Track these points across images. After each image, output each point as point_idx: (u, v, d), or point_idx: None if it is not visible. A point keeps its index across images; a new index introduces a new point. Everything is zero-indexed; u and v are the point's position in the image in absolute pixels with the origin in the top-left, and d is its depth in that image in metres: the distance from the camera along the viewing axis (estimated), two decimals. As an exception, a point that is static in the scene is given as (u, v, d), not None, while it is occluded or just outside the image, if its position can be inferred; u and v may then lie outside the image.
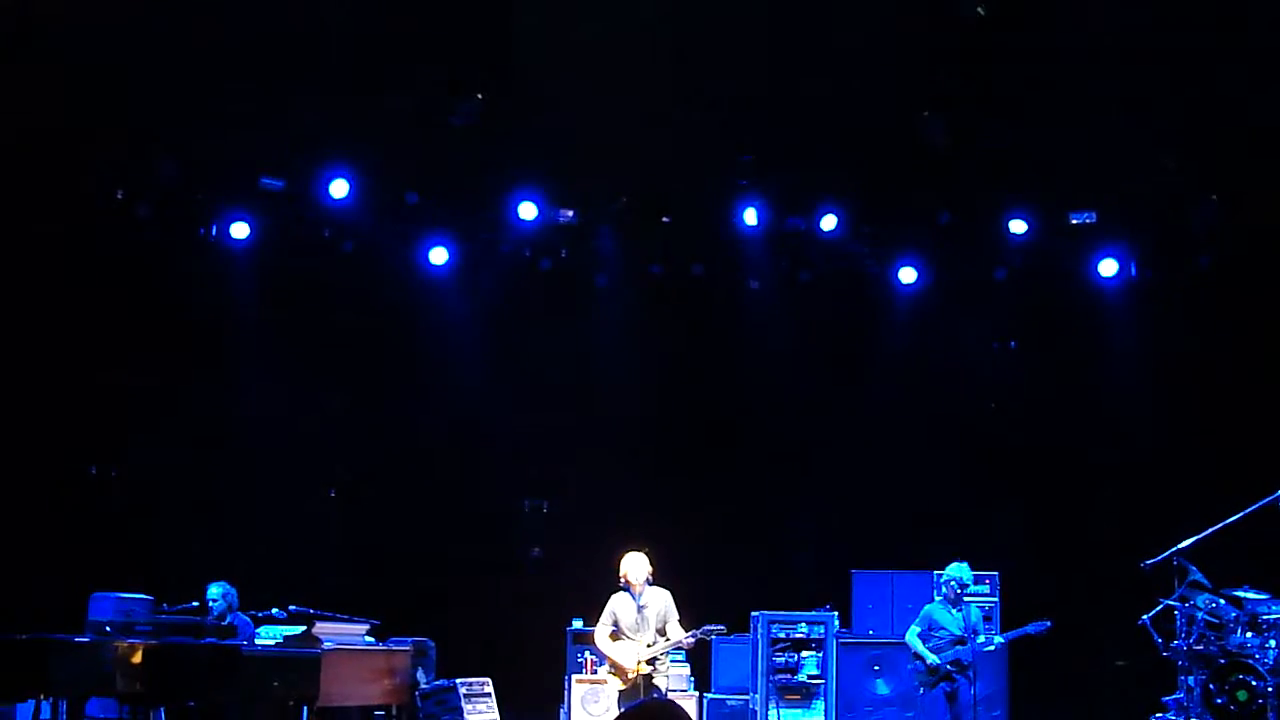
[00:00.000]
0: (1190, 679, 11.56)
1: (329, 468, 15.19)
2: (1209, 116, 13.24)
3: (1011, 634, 12.24)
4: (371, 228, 14.83)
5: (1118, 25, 12.60)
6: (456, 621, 13.84)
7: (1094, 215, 14.74)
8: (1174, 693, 11.84)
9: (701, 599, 12.49)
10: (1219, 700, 11.17)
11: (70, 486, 13.92)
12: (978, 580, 13.44)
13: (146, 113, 13.26)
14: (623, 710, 9.80)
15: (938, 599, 12.66)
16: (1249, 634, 11.36)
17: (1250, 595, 11.52)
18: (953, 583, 12.36)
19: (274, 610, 11.64)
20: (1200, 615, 11.49)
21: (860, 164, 14.45)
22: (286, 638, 11.29)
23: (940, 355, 15.56)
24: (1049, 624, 12.09)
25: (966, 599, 12.46)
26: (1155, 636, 11.70)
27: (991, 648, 12.39)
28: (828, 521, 14.92)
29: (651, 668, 11.41)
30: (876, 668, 13.75)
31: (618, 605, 11.62)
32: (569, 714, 13.50)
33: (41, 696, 9.98)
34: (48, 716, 10.11)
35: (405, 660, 11.84)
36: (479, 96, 13.61)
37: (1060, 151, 14.00)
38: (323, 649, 10.88)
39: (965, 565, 12.43)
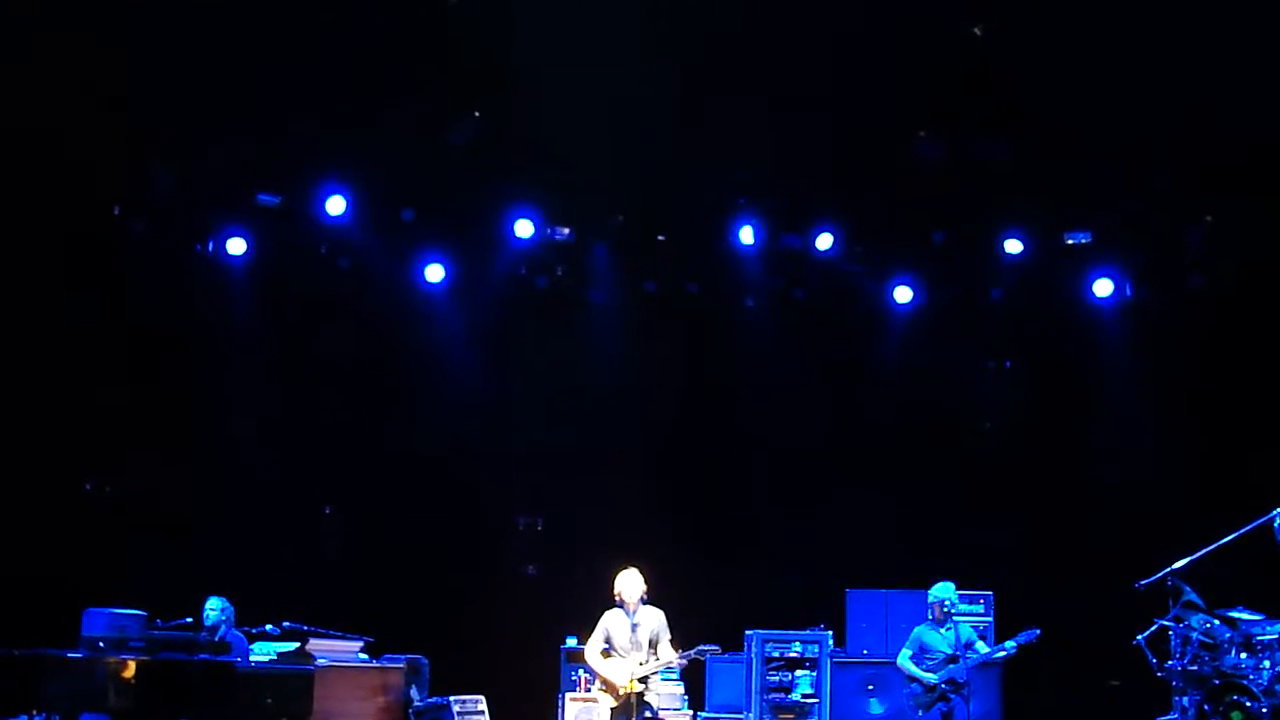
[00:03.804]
0: (1185, 699, 11.54)
1: (324, 484, 15.17)
2: (1203, 137, 13.27)
3: (1016, 640, 12.18)
4: (368, 244, 14.84)
5: (1112, 46, 12.64)
6: (450, 639, 13.80)
7: (1089, 235, 14.79)
8: (1168, 713, 11.83)
9: (696, 617, 12.49)
10: (1213, 721, 11.17)
11: (64, 501, 13.89)
12: (972, 600, 13.44)
13: (143, 127, 13.28)
14: None
15: (926, 622, 12.66)
16: (1243, 655, 11.34)
17: (1245, 616, 11.51)
18: (946, 603, 12.37)
19: (268, 627, 11.65)
20: (1195, 636, 11.47)
21: (856, 183, 14.48)
22: (280, 654, 11.27)
23: (935, 374, 15.57)
24: (1038, 632, 12.10)
25: (960, 619, 12.46)
26: (1150, 657, 11.68)
27: (1002, 654, 12.35)
28: (822, 540, 14.90)
29: (644, 686, 11.39)
30: (870, 687, 13.75)
31: (611, 623, 11.60)
32: (562, 732, 13.50)
33: (33, 712, 9.93)
34: (39, 732, 10.10)
35: (399, 677, 11.83)
36: (476, 114, 13.65)
37: (1055, 172, 14.03)
38: (316, 666, 10.86)
39: (950, 585, 12.47)
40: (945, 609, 12.37)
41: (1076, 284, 15.14)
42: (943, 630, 12.34)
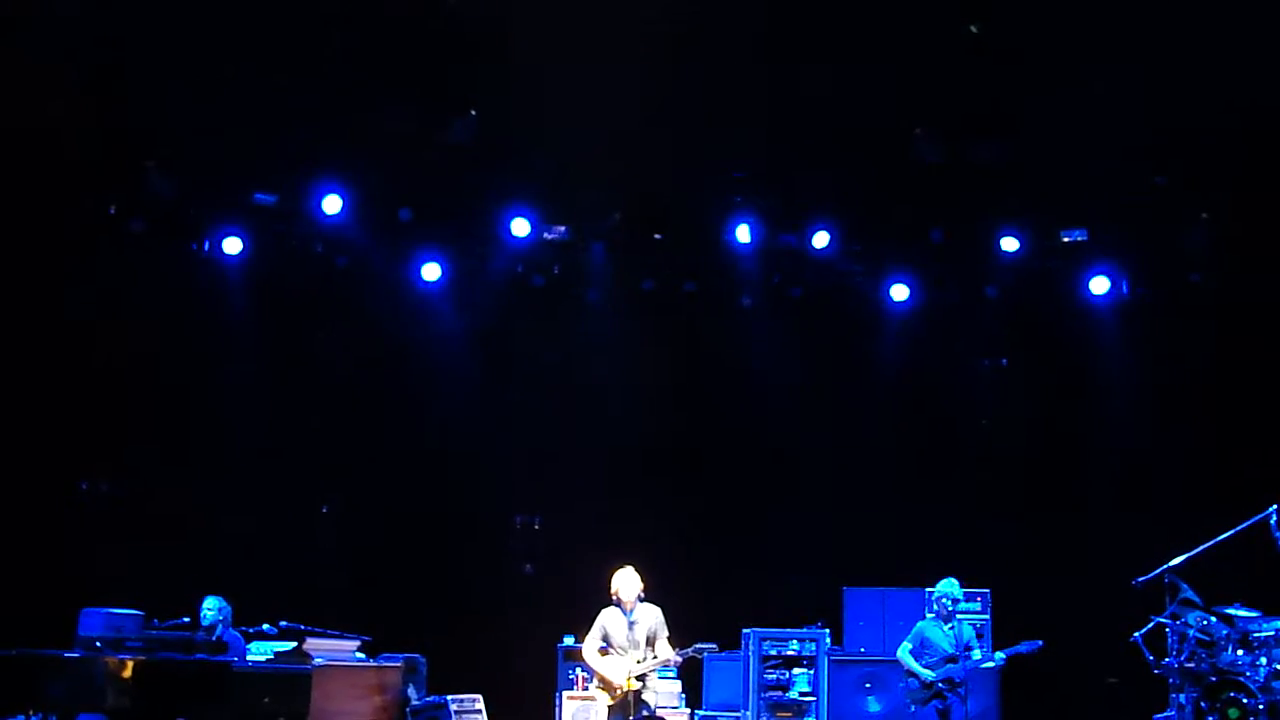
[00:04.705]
0: (1181, 696, 11.56)
1: (321, 483, 15.17)
2: (1200, 134, 13.28)
3: (1010, 651, 12.21)
4: (364, 243, 14.83)
5: (1109, 42, 12.65)
6: (448, 638, 13.81)
7: (1085, 233, 14.79)
8: (1165, 710, 11.85)
9: (693, 615, 12.48)
10: (1210, 718, 11.17)
11: (61, 501, 13.89)
12: (969, 597, 13.45)
13: (139, 126, 13.28)
14: None
15: (930, 616, 12.70)
16: (1240, 652, 11.36)
17: (1242, 613, 11.53)
18: (944, 599, 12.39)
19: (265, 626, 11.66)
20: (1191, 633, 11.49)
21: (853, 181, 14.48)
22: (277, 654, 11.28)
23: (932, 372, 15.59)
24: (1041, 644, 12.09)
25: (959, 616, 12.47)
26: (1147, 654, 11.69)
27: (991, 664, 12.38)
28: (819, 538, 14.91)
29: (641, 684, 11.39)
30: (868, 685, 13.76)
31: (608, 621, 11.61)
32: (560, 731, 13.50)
33: (30, 712, 9.94)
34: (37, 732, 10.10)
35: (396, 676, 11.82)
36: (473, 113, 13.64)
37: (1052, 169, 14.03)
38: (313, 665, 10.86)
39: (955, 581, 12.46)
40: (949, 606, 12.36)
41: (1073, 282, 15.15)
42: (946, 627, 12.33)
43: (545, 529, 15.66)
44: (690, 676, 13.79)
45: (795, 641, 13.91)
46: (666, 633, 11.54)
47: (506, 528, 15.65)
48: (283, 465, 14.62)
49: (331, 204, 14.34)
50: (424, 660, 12.93)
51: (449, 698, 12.71)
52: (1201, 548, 11.63)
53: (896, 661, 12.57)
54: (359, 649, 11.72)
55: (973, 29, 12.63)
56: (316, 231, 14.70)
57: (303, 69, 12.95)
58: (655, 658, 11.44)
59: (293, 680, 10.58)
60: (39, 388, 13.60)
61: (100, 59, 12.56)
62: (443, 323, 15.35)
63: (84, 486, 14.26)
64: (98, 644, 10.13)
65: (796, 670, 13.87)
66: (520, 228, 14.82)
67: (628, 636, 11.49)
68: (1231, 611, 11.52)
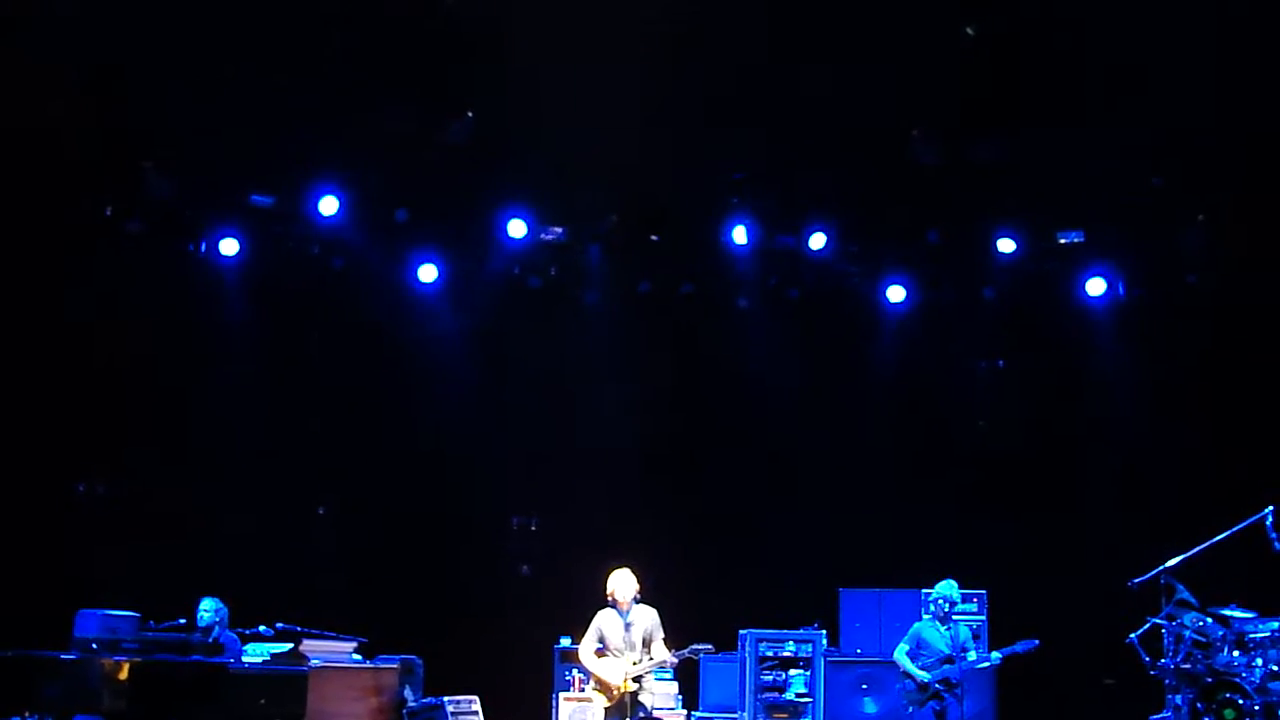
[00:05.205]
0: (1178, 698, 11.56)
1: (318, 484, 15.16)
2: (1198, 135, 13.28)
3: (1006, 651, 12.24)
4: (361, 245, 14.84)
5: (1106, 44, 12.66)
6: (444, 639, 13.80)
7: (1082, 234, 14.79)
8: (1161, 711, 11.85)
9: (689, 617, 12.49)
10: (1206, 719, 11.18)
11: (58, 502, 13.87)
12: (966, 598, 13.47)
13: (138, 127, 13.27)
14: None
15: (926, 617, 12.71)
16: (1236, 653, 11.36)
17: (1238, 614, 11.53)
18: (941, 600, 12.41)
19: (261, 628, 11.64)
20: (1188, 634, 11.49)
21: (850, 182, 14.49)
22: (274, 655, 11.26)
23: (928, 374, 15.59)
24: (1037, 643, 12.12)
25: (955, 617, 12.49)
26: (1143, 655, 11.69)
27: (987, 664, 12.41)
28: (816, 539, 14.91)
29: (637, 685, 11.40)
30: (864, 686, 13.77)
31: (604, 622, 11.61)
32: (556, 732, 13.49)
33: (26, 714, 9.93)
34: (32, 734, 10.08)
35: (393, 678, 11.80)
36: (470, 114, 13.64)
37: (1048, 171, 14.04)
38: (310, 667, 10.85)
39: (953, 583, 12.48)
40: (947, 608, 12.37)
41: (1070, 283, 15.15)
42: (943, 629, 12.35)
43: (542, 530, 15.66)
44: (687, 678, 13.79)
45: (792, 643, 13.91)
46: (663, 634, 11.54)
47: (503, 529, 15.66)
48: (279, 466, 14.61)
49: (328, 205, 14.34)
50: (420, 661, 12.93)
51: (445, 699, 12.73)
52: (1198, 549, 11.63)
53: (893, 663, 12.60)
54: (355, 650, 11.70)
55: (969, 30, 12.63)
56: (313, 233, 14.70)
57: (301, 69, 12.95)
58: (651, 659, 11.45)
59: (289, 681, 10.55)
60: (36, 388, 13.59)
61: (100, 59, 12.55)
62: (439, 324, 15.35)
63: (80, 488, 14.25)
64: (93, 645, 10.11)
65: (793, 671, 13.86)
66: (517, 229, 14.82)
67: (624, 638, 11.49)
68: (1227, 612, 11.52)
